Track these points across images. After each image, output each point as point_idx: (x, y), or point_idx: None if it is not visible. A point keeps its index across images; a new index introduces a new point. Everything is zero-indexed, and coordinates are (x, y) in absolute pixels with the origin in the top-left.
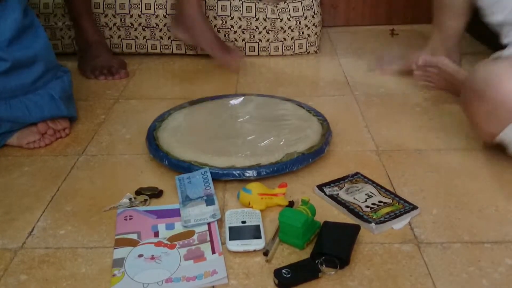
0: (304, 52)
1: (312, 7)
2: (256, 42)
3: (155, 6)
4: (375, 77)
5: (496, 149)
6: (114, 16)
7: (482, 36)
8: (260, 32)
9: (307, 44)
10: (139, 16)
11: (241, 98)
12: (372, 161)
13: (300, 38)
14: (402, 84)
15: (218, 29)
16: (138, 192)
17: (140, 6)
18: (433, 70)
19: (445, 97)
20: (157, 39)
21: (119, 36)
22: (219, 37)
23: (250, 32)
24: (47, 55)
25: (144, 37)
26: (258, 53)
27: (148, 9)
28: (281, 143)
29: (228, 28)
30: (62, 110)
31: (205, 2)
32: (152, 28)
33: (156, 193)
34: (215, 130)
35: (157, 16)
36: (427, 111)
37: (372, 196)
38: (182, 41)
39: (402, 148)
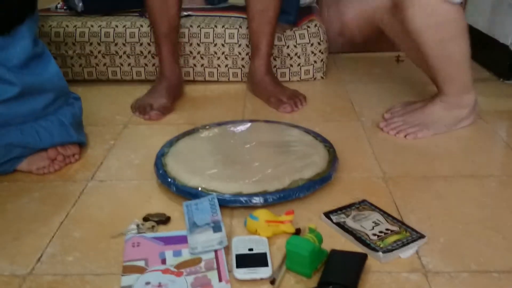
0: (311, 78)
1: (318, 34)
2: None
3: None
4: (381, 104)
5: (504, 175)
6: (124, 44)
7: (487, 62)
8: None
9: (314, 70)
10: (148, 44)
11: (248, 124)
12: (379, 188)
13: (307, 64)
14: None
15: (226, 56)
16: (146, 219)
17: (149, 34)
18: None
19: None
20: None
21: (129, 64)
22: (285, 91)
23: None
24: (58, 82)
25: (153, 65)
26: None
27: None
28: (288, 169)
29: (235, 55)
30: (72, 136)
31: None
32: None
33: (163, 220)
34: (222, 156)
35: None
36: (433, 138)
37: (379, 224)
38: None
39: (409, 174)
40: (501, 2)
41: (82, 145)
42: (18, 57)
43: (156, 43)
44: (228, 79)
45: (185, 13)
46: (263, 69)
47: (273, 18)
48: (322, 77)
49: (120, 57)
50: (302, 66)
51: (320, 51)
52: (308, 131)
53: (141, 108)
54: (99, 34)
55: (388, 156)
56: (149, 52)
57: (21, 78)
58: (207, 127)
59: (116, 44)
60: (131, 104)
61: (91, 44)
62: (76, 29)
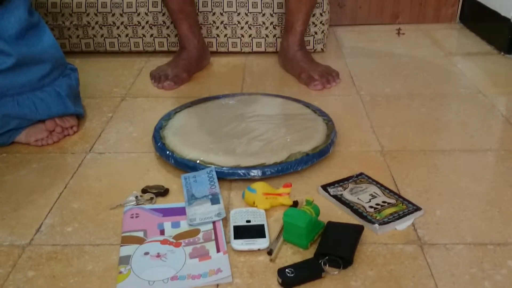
0: (311, 49)
1: (322, 5)
2: (263, 37)
3: (162, 4)
4: (380, 78)
5: (502, 150)
6: (121, 15)
7: (488, 36)
8: (266, 28)
9: (314, 42)
10: (146, 14)
11: (247, 97)
12: (377, 162)
13: (307, 35)
14: (407, 84)
15: (225, 25)
16: (145, 190)
17: (147, 4)
18: None
19: (450, 98)
20: (164, 37)
21: (127, 35)
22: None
23: (256, 27)
24: (54, 52)
25: (151, 35)
26: (265, 49)
27: (155, 7)
28: (286, 142)
29: (235, 24)
30: (69, 107)
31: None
32: (159, 26)
33: (162, 192)
34: (221, 129)
35: (164, 14)
36: (433, 112)
37: (376, 197)
38: None
39: (407, 149)
40: None
41: (80, 117)
42: (13, 28)
43: (172, 18)
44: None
45: None
46: (296, 45)
47: (312, 1)
48: (322, 49)
49: (118, 27)
50: (305, 38)
51: (321, 22)
52: (307, 105)
53: (156, 77)
54: (96, 5)
55: (387, 130)
56: (147, 22)
57: (16, 49)
58: (206, 100)
59: (113, 15)
60: (150, 71)
61: (88, 15)
62: (72, 0)
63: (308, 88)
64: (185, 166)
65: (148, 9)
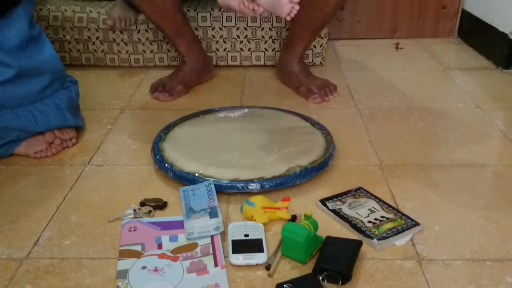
0: (310, 63)
1: None
2: (262, 51)
3: None
4: (379, 92)
5: (500, 165)
6: (121, 32)
7: (486, 51)
8: (266, 42)
9: (313, 55)
10: (146, 31)
11: (246, 110)
12: (375, 176)
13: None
14: (406, 98)
15: (224, 40)
16: (143, 203)
17: (147, 21)
18: None
19: (448, 112)
20: (165, 52)
21: (127, 51)
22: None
23: (255, 41)
24: (54, 64)
25: (151, 51)
26: (264, 63)
27: None
28: (285, 156)
29: (234, 38)
30: (69, 119)
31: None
32: (159, 42)
33: (160, 205)
34: (220, 142)
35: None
36: (431, 126)
37: (374, 211)
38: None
39: (405, 163)
40: None
41: (79, 129)
42: (14, 39)
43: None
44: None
45: None
46: (294, 60)
47: (317, 30)
48: (321, 63)
49: (118, 44)
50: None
51: (320, 36)
52: (306, 118)
53: (153, 87)
54: (98, 21)
55: (385, 144)
56: (147, 38)
57: (17, 60)
58: (205, 112)
59: (114, 32)
60: (152, 82)
61: (89, 29)
62: (74, 14)
63: (306, 101)
64: (184, 179)
65: (148, 26)
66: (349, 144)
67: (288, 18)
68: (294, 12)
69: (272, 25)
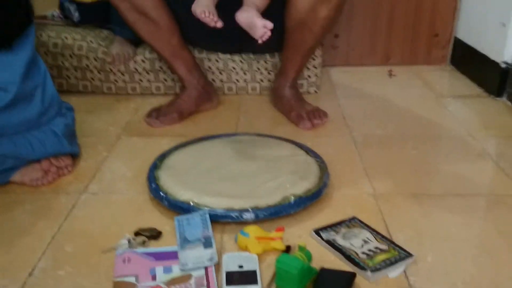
0: (304, 92)
1: None
2: (258, 82)
3: None
4: (373, 119)
5: (492, 195)
6: (119, 62)
7: (478, 78)
8: (261, 73)
9: (307, 85)
10: (142, 61)
11: (241, 138)
12: (369, 205)
13: (301, 78)
14: (399, 126)
15: (220, 71)
16: (137, 233)
17: (143, 52)
18: None
19: (441, 141)
20: (161, 81)
21: (124, 80)
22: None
23: (251, 73)
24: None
25: (148, 80)
26: (260, 93)
27: (152, 53)
28: (280, 185)
29: (230, 69)
30: (65, 147)
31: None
32: (156, 71)
33: (154, 235)
34: (215, 170)
35: (161, 60)
36: (424, 155)
37: (368, 242)
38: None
39: (399, 192)
40: (492, 20)
41: (75, 156)
42: (18, 69)
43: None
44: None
45: None
46: (286, 85)
47: (308, 53)
48: (315, 91)
49: (115, 74)
50: (297, 81)
51: (314, 66)
52: (300, 146)
53: (149, 113)
54: (97, 50)
55: (379, 172)
56: (144, 68)
57: (16, 86)
58: (200, 140)
59: (112, 62)
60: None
61: (88, 58)
62: (75, 42)
63: (298, 128)
64: (179, 208)
65: (144, 56)
66: (343, 172)
67: (260, 41)
68: (266, 36)
69: (267, 57)
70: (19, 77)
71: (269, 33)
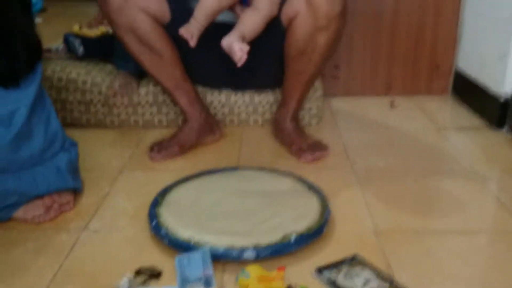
0: (306, 123)
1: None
2: (260, 115)
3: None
4: (374, 151)
5: (493, 232)
6: (122, 96)
7: (479, 109)
8: (263, 106)
9: (309, 116)
10: (145, 95)
11: (242, 172)
12: (371, 242)
13: (302, 110)
14: (401, 159)
15: (223, 105)
16: (138, 272)
17: (148, 85)
18: None
19: (443, 174)
20: (164, 114)
21: (127, 113)
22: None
23: (253, 106)
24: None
25: (151, 113)
26: (262, 124)
27: (155, 86)
28: (281, 222)
29: (232, 103)
30: (69, 182)
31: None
32: (159, 104)
33: (155, 274)
34: (216, 207)
35: (164, 93)
36: (426, 189)
37: (370, 281)
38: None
39: (401, 228)
40: (492, 52)
41: (77, 191)
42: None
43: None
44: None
45: None
46: (288, 117)
47: (308, 81)
48: (317, 122)
49: (118, 107)
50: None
51: (315, 98)
52: (301, 180)
53: (151, 146)
54: (101, 85)
55: (380, 208)
56: (147, 101)
57: (22, 122)
58: (201, 174)
59: (114, 96)
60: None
61: (92, 92)
62: (79, 77)
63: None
64: (179, 246)
65: (148, 89)
66: (344, 207)
67: (239, 64)
68: (242, 61)
69: (268, 92)
70: (24, 113)
71: (245, 57)
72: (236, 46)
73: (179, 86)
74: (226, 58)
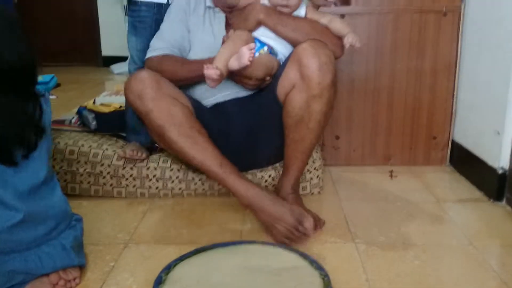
0: (308, 193)
1: (316, 150)
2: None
3: (171, 161)
4: (375, 224)
5: None
6: (131, 168)
7: (477, 182)
8: (266, 180)
9: (310, 186)
10: (154, 168)
11: (246, 247)
12: None
13: (304, 181)
14: (401, 233)
15: None
16: None
17: (158, 161)
18: None
19: (442, 250)
20: (169, 189)
21: (134, 185)
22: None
23: (256, 181)
24: (61, 208)
25: (157, 188)
26: None
27: (164, 163)
28: None
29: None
30: (74, 260)
31: None
32: (165, 180)
33: None
34: (219, 285)
35: (171, 169)
36: (426, 265)
37: None
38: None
39: None
40: (487, 127)
41: (82, 267)
42: (28, 183)
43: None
44: None
45: None
46: (289, 186)
47: (308, 149)
48: (319, 192)
49: (127, 179)
50: (300, 182)
51: (315, 168)
52: (304, 256)
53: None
54: (112, 158)
55: (382, 285)
56: (154, 176)
57: (26, 205)
58: (204, 249)
59: (124, 168)
60: None
61: (102, 165)
62: (90, 150)
63: None
64: None
65: (158, 164)
66: (346, 284)
67: (248, 63)
68: (252, 56)
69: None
70: (26, 196)
71: (253, 52)
72: (243, 48)
73: (206, 152)
74: (229, 142)
